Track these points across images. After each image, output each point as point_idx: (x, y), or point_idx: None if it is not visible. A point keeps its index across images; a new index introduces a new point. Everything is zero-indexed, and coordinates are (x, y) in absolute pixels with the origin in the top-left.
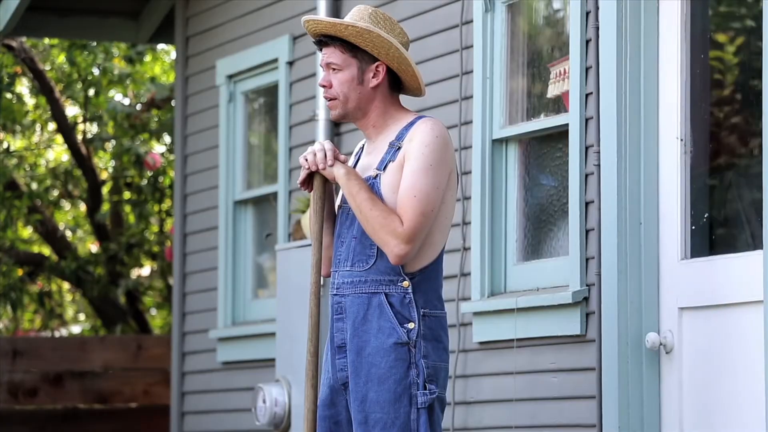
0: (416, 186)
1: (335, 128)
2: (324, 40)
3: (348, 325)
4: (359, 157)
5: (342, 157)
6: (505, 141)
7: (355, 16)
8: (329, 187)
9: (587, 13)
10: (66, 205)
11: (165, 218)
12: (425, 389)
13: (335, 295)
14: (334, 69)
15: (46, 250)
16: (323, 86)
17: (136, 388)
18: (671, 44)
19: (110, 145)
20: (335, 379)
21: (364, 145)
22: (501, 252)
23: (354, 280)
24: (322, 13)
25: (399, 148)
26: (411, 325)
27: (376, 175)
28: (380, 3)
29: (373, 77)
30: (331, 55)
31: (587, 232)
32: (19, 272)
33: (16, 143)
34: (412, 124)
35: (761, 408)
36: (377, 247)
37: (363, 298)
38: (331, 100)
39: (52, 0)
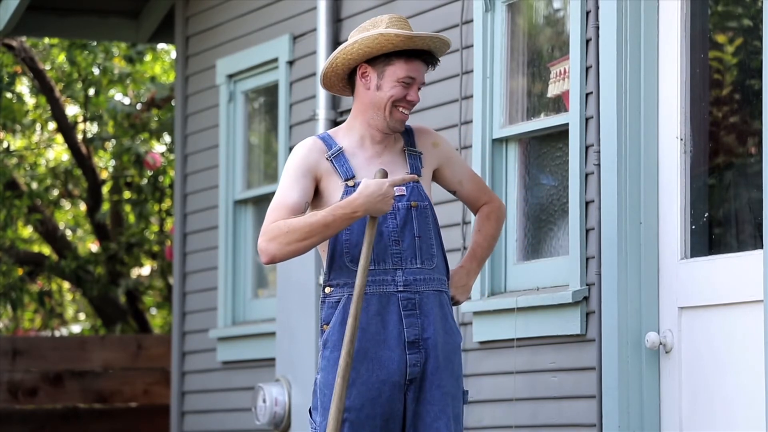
0: (471, 168)
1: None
2: (429, 59)
3: (428, 321)
4: (344, 158)
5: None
6: (505, 140)
7: (408, 27)
8: None
9: (587, 13)
10: (66, 204)
11: (165, 218)
12: (464, 387)
13: (403, 291)
14: (419, 87)
15: (46, 250)
16: (414, 102)
17: (136, 388)
18: (671, 44)
19: (110, 145)
20: (401, 374)
21: (341, 148)
22: (501, 251)
23: (425, 277)
24: (322, 13)
25: (420, 153)
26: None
27: (417, 180)
28: (380, 3)
29: None
30: (423, 73)
31: (587, 231)
32: (19, 272)
33: (16, 143)
34: (406, 130)
35: (761, 408)
36: (435, 246)
37: (435, 295)
38: (407, 112)
39: (51, 0)
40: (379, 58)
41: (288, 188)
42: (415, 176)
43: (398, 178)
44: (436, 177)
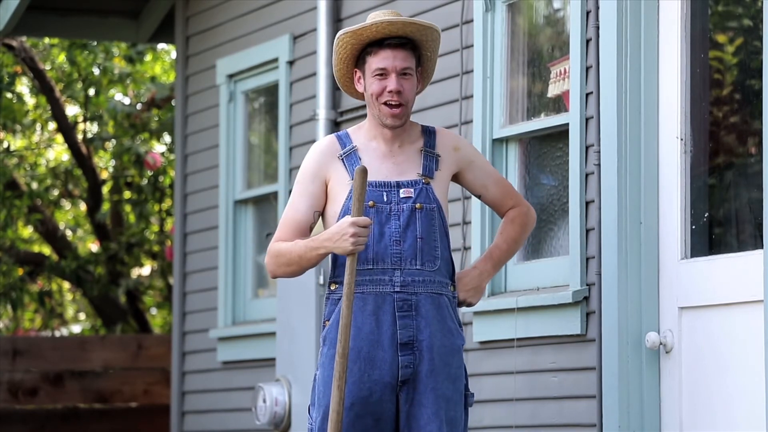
0: (498, 173)
1: (335, 128)
2: (401, 42)
3: (424, 323)
4: (356, 157)
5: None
6: (505, 140)
7: (404, 16)
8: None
9: (587, 13)
10: (66, 204)
11: (165, 218)
12: (468, 390)
13: (399, 292)
14: (406, 74)
15: (47, 250)
16: (397, 92)
17: (136, 388)
18: (671, 44)
19: (110, 145)
20: (392, 375)
21: (355, 146)
22: None
23: (425, 279)
24: (322, 13)
25: (438, 156)
26: (462, 328)
27: (428, 182)
28: (380, 2)
29: (418, 81)
30: (405, 59)
31: (587, 231)
32: (20, 272)
33: (17, 143)
34: (429, 131)
35: (761, 408)
36: (440, 249)
37: (434, 297)
38: (399, 106)
39: (52, 0)
40: (358, 59)
41: (297, 199)
42: (370, 221)
43: (362, 219)
44: (459, 181)
